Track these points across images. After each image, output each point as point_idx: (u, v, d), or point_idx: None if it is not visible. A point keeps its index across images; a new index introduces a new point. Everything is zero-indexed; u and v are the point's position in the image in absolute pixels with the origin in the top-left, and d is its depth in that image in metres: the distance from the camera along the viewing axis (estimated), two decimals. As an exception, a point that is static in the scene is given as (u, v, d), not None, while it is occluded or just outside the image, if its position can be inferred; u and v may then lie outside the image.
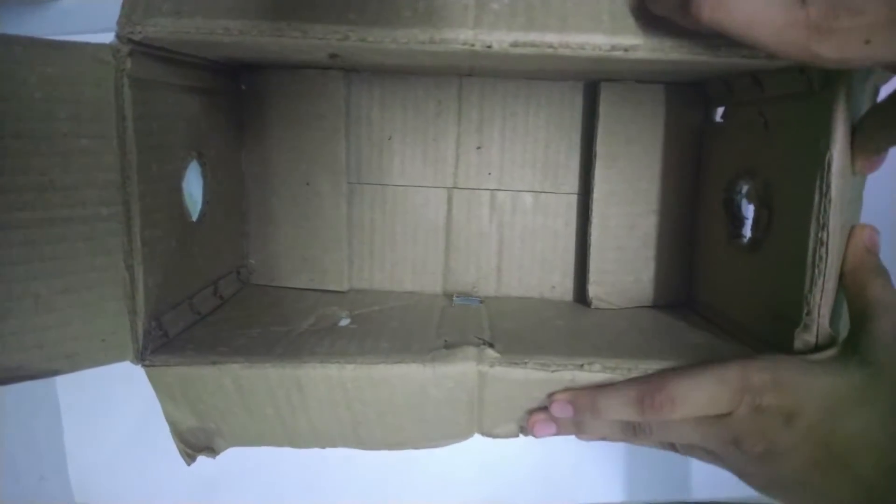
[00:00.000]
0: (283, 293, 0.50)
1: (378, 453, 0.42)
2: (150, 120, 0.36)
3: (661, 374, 0.35)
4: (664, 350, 0.38)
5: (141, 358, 0.36)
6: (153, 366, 0.36)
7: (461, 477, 0.57)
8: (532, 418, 0.38)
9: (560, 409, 0.37)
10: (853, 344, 0.33)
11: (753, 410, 0.32)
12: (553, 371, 0.36)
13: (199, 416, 0.39)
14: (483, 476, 0.57)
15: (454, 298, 0.50)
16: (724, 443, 0.34)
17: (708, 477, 0.38)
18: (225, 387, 0.37)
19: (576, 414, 0.37)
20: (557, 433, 0.39)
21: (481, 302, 0.49)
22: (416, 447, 0.41)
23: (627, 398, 0.35)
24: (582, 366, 0.36)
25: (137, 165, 0.35)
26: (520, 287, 0.52)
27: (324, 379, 0.36)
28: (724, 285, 0.44)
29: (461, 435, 0.40)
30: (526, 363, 0.36)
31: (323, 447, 0.41)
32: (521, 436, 0.40)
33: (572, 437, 0.39)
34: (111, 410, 0.57)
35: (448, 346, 0.37)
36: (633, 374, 0.36)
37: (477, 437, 0.41)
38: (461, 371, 0.36)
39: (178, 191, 0.40)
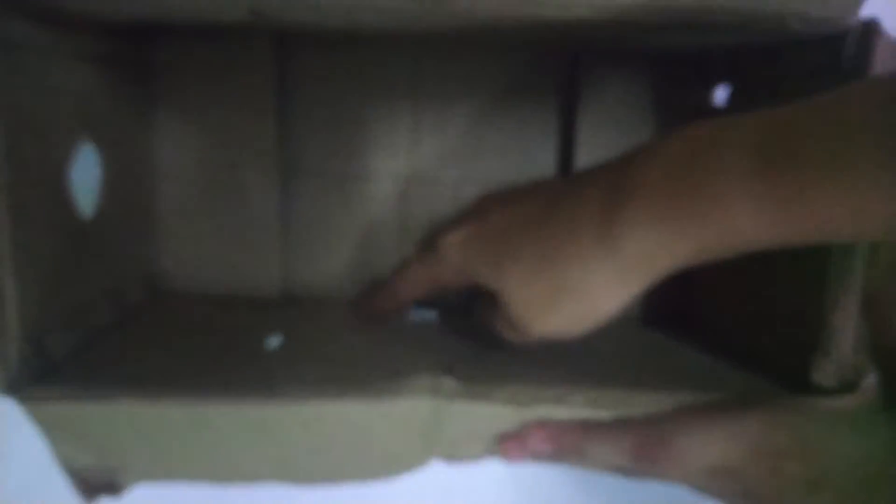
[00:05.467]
0: (201, 303, 0.43)
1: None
2: (23, 93, 0.29)
3: (661, 423, 0.30)
4: (658, 379, 0.32)
5: (14, 389, 0.29)
6: (31, 399, 0.29)
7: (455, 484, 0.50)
8: (504, 444, 0.33)
9: (538, 444, 0.31)
10: (885, 393, 0.29)
11: (773, 474, 0.28)
12: (525, 406, 0.30)
13: (96, 452, 0.32)
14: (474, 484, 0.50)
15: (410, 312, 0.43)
16: (733, 494, 0.30)
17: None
18: (119, 424, 0.30)
19: (556, 454, 0.31)
20: (532, 460, 0.33)
21: (437, 317, 0.43)
22: (361, 481, 0.34)
23: (621, 448, 0.30)
24: (561, 398, 0.30)
25: (6, 150, 0.28)
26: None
27: (239, 418, 0.29)
28: (726, 301, 0.39)
29: (415, 466, 0.34)
30: (492, 395, 0.30)
31: (250, 483, 0.34)
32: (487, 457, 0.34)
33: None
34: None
35: (396, 373, 0.31)
36: (622, 410, 0.30)
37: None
38: (413, 406, 0.29)
39: (63, 182, 0.33)
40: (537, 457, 0.33)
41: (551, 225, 0.30)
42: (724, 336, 0.38)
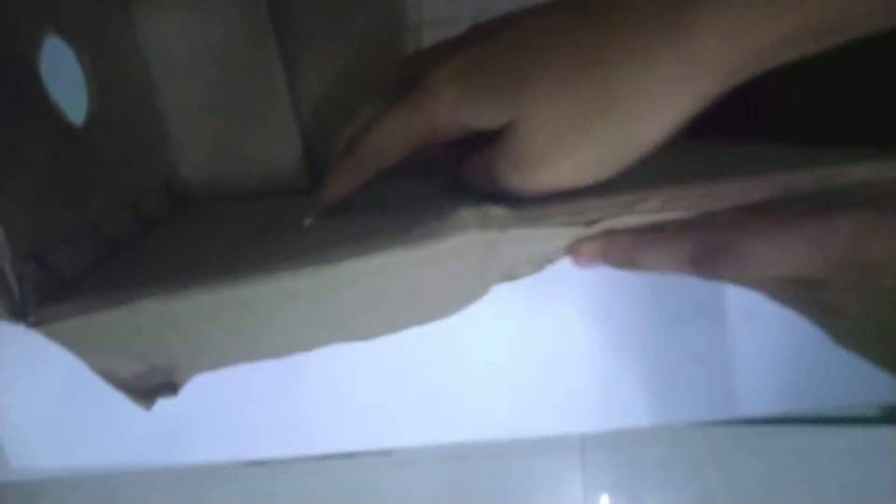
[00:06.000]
0: (230, 204, 0.39)
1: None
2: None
3: (727, 224, 0.25)
4: (737, 168, 0.27)
5: (22, 314, 0.26)
6: (43, 322, 0.26)
7: (468, 409, 0.47)
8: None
9: (586, 263, 0.28)
10: None
11: (863, 288, 0.23)
12: (590, 223, 0.25)
13: (138, 357, 0.29)
14: (493, 406, 0.47)
15: None
16: (808, 305, 0.25)
17: (754, 391, 0.29)
18: (149, 325, 0.27)
19: (609, 264, 0.28)
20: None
21: None
22: (422, 324, 0.32)
23: (678, 255, 0.26)
24: (632, 204, 0.25)
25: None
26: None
27: (276, 293, 0.26)
28: (806, 81, 0.33)
29: (474, 299, 0.31)
30: (550, 216, 0.25)
31: (309, 350, 0.32)
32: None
33: (588, 360, 0.29)
34: (43, 360, 0.46)
35: (438, 211, 0.27)
36: (708, 204, 0.25)
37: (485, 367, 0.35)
38: (462, 243, 0.25)
39: (34, 80, 0.29)
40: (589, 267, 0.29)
41: (591, 23, 0.23)
42: (806, 124, 0.33)
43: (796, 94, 0.34)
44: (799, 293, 0.25)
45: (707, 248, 0.25)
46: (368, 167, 0.29)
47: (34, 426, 0.47)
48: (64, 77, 0.31)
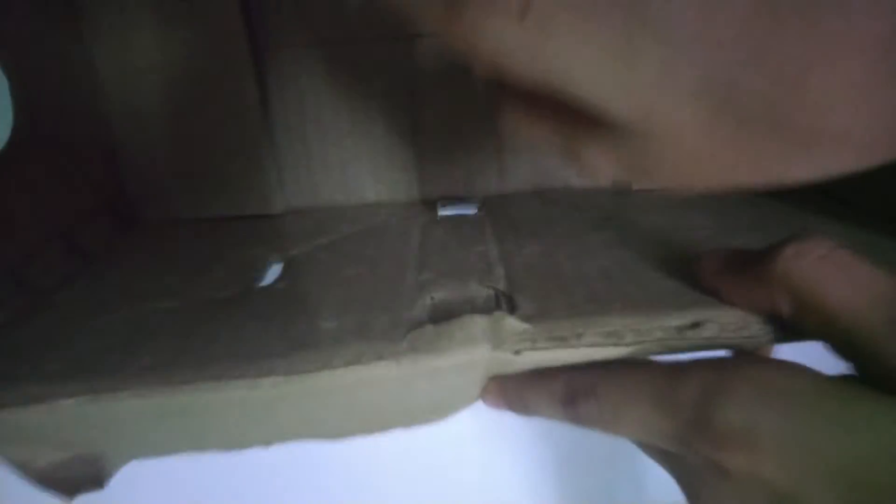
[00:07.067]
0: (185, 230, 0.34)
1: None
2: None
3: (602, 367, 0.21)
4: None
5: None
6: None
7: (459, 480, 0.42)
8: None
9: (492, 403, 0.24)
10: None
11: (718, 472, 0.18)
12: (637, 345, 0.20)
13: (63, 446, 0.24)
14: (490, 480, 0.43)
15: (438, 207, 0.33)
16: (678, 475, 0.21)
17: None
18: (70, 423, 0.22)
19: (509, 408, 0.24)
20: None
21: (480, 209, 0.33)
22: (406, 428, 0.26)
23: (552, 395, 0.21)
24: (695, 325, 0.20)
25: None
26: (534, 175, 0.35)
27: (229, 402, 0.21)
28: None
29: (467, 405, 0.25)
30: (580, 335, 0.20)
31: (267, 447, 0.26)
32: None
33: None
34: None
35: (436, 314, 0.22)
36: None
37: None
38: (464, 361, 0.20)
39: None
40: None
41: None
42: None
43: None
44: (663, 461, 0.21)
45: (575, 386, 0.21)
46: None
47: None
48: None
